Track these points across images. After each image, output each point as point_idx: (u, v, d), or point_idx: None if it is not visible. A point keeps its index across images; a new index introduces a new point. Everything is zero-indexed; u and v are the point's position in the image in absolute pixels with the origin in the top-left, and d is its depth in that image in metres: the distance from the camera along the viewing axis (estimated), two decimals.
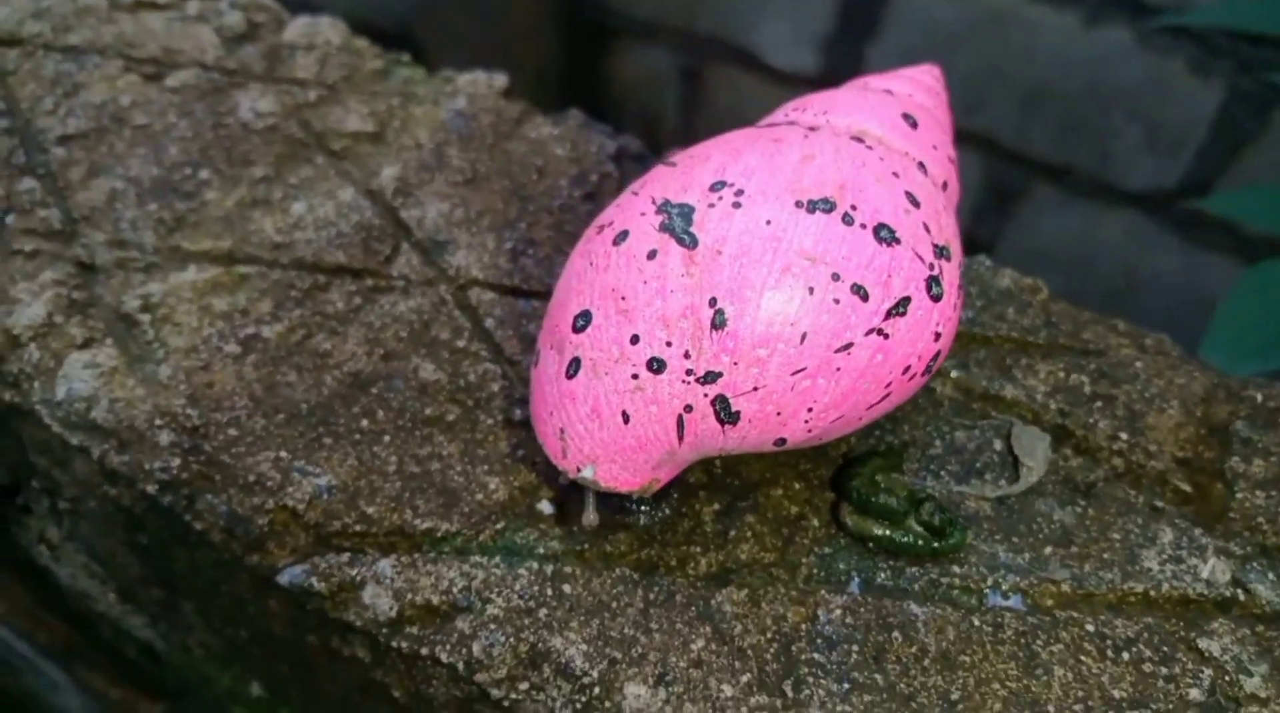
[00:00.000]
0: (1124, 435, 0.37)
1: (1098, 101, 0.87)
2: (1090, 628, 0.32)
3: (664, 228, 0.30)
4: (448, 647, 0.31)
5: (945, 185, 0.35)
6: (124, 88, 0.47)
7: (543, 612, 0.32)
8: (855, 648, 0.31)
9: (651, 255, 0.30)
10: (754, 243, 0.29)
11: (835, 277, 0.29)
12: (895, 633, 0.32)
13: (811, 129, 0.33)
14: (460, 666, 0.31)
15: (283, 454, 0.35)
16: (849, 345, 0.29)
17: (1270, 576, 0.33)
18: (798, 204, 0.30)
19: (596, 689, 0.30)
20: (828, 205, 0.30)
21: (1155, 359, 0.39)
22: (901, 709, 0.30)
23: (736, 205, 0.30)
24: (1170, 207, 0.89)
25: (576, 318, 0.31)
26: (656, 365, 0.30)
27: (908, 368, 0.31)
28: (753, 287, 0.29)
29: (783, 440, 0.31)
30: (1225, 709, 0.31)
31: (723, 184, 0.30)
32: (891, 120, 0.34)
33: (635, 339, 0.30)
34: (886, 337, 0.30)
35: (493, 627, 0.31)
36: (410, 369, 0.38)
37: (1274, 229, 0.62)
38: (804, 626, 0.32)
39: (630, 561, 0.33)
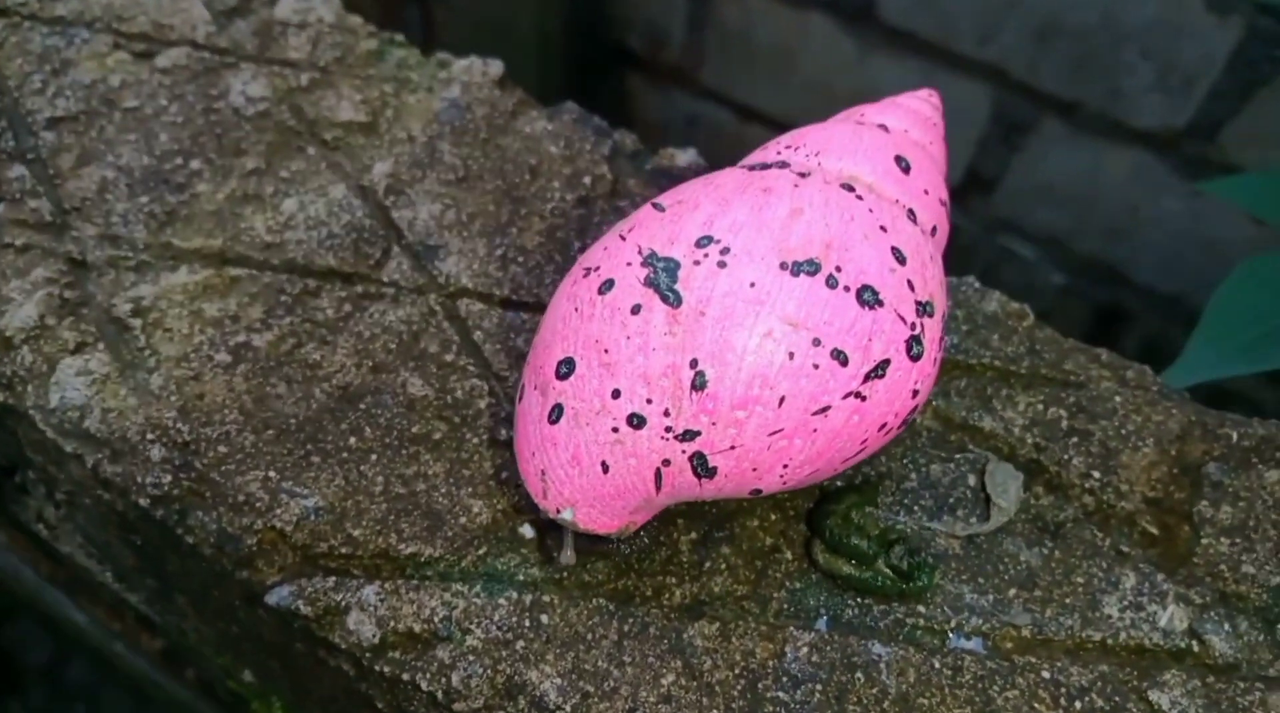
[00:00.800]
0: (1096, 474, 0.38)
1: (1111, 37, 0.84)
2: (1046, 675, 0.33)
3: (649, 283, 0.30)
4: (428, 675, 0.33)
5: (934, 230, 0.35)
6: (114, 66, 0.46)
7: (520, 644, 0.33)
8: (819, 687, 0.33)
9: (635, 310, 0.30)
10: (737, 306, 0.29)
11: (816, 342, 0.29)
12: (858, 673, 0.33)
13: (802, 176, 0.33)
14: (439, 694, 0.32)
15: (271, 474, 0.36)
16: (826, 408, 0.30)
17: (1226, 626, 0.35)
18: (782, 266, 0.30)
19: None
20: (812, 267, 0.30)
21: (1135, 393, 0.40)
22: None
23: (722, 264, 0.30)
24: (1178, 147, 0.87)
25: (560, 364, 0.31)
26: (636, 421, 0.30)
27: (884, 425, 0.31)
28: (734, 350, 0.29)
29: (758, 491, 0.32)
30: None
31: (709, 240, 0.30)
32: (885, 166, 0.34)
33: (617, 393, 0.30)
34: (864, 399, 0.30)
35: (471, 658, 0.33)
36: (399, 383, 0.38)
37: (1275, 219, 0.61)
38: (771, 662, 0.33)
39: (607, 590, 0.34)
